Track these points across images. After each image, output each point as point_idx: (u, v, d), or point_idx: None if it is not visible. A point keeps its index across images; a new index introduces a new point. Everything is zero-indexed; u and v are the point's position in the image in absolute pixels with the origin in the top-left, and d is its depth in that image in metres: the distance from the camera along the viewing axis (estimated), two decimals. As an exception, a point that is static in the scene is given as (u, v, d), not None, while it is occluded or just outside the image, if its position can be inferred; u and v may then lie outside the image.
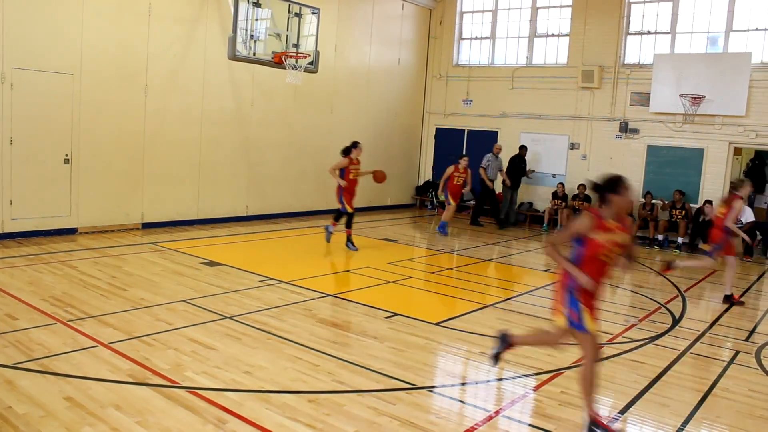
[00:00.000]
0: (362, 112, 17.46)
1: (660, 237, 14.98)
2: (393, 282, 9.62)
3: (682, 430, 5.16)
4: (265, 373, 5.65)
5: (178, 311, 7.34)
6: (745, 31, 14.93)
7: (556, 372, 6.18)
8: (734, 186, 10.00)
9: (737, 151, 15.69)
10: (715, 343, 7.74)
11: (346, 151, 11.76)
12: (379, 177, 12.39)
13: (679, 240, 14.87)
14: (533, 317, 8.28)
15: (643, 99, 15.83)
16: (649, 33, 16.17)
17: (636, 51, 16.31)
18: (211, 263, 9.94)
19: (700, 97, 14.60)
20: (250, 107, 14.38)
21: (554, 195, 16.59)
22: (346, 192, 11.71)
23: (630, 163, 15.94)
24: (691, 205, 14.99)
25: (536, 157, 17.17)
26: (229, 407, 4.89)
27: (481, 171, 16.28)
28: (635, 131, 16.11)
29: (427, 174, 19.78)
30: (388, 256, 11.45)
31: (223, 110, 13.85)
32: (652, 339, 7.55)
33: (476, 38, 19.01)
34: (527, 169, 16.71)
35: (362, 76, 17.35)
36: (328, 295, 8.49)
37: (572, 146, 16.94)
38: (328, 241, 12.02)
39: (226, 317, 7.22)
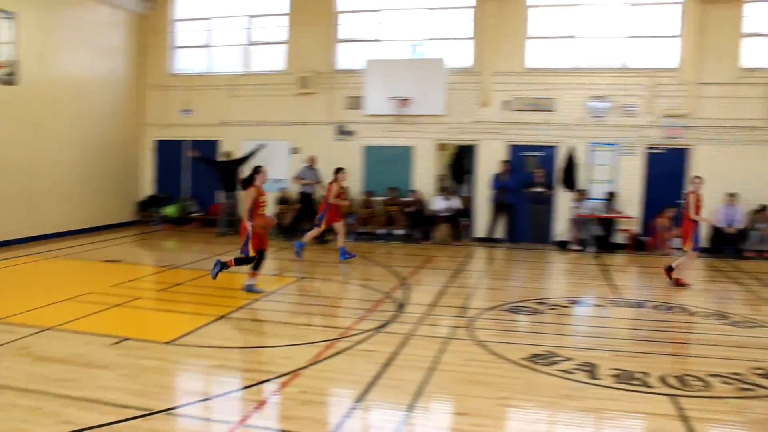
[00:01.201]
0: (74, 126, 16.03)
1: (380, 231, 15.93)
2: (119, 305, 9.00)
3: (414, 406, 5.54)
4: (-27, 426, 4.99)
5: None
6: (440, 39, 16.53)
7: (294, 373, 6.27)
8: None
9: (442, 147, 17.22)
10: (436, 322, 8.43)
11: (249, 181, 9.72)
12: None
13: (398, 232, 15.98)
14: (268, 322, 8.32)
15: (356, 102, 16.69)
16: (358, 41, 17.13)
17: (348, 57, 17.15)
18: None
19: (406, 100, 15.78)
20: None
21: (280, 200, 16.81)
22: (254, 232, 9.56)
23: (349, 163, 16.68)
24: (404, 199, 16.17)
25: (259, 163, 17.13)
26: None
27: (297, 181, 15.98)
28: (351, 133, 16.95)
29: (148, 189, 18.86)
30: (113, 278, 10.73)
31: None
32: (381, 327, 7.99)
33: (192, 46, 18.60)
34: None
35: (73, 87, 15.92)
36: (47, 329, 7.69)
37: (294, 151, 17.31)
38: (250, 293, 9.81)
39: None
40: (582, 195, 15.35)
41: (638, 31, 15.59)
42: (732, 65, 15.00)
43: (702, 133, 15.14)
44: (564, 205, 15.78)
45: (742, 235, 14.53)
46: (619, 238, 15.43)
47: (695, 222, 11.03)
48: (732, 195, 14.44)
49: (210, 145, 17.82)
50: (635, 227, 15.43)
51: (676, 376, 6.34)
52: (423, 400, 5.71)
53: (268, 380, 6.10)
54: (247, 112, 17.74)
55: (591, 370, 6.50)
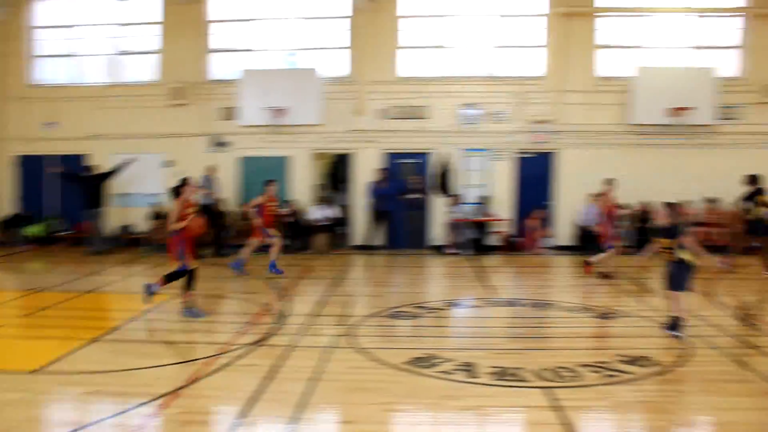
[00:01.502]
0: None
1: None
2: (-23, 334, 8.39)
3: (299, 418, 5.51)
4: None
5: None
6: (316, 49, 16.60)
7: (173, 393, 6.05)
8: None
9: (318, 156, 17.24)
10: (318, 332, 8.40)
11: (177, 192, 9.24)
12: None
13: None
14: (145, 342, 8.02)
15: (231, 113, 16.40)
16: (232, 50, 16.89)
17: (222, 67, 16.86)
18: None
19: (282, 110, 15.68)
20: None
21: (155, 215, 16.26)
22: (188, 242, 9.10)
23: (224, 175, 16.30)
24: (281, 210, 16.00)
25: (131, 177, 16.53)
26: None
27: (201, 192, 15.09)
28: (226, 144, 16.64)
29: (10, 208, 17.62)
30: (-30, 305, 10.00)
31: None
32: (262, 340, 7.88)
33: (55, 55, 17.61)
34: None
35: None
36: None
37: (167, 164, 16.79)
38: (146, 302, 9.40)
39: None
40: (456, 200, 15.80)
41: (506, 41, 16.29)
42: (590, 74, 15.97)
43: (566, 137, 15.99)
44: (440, 210, 16.17)
45: (605, 232, 15.40)
46: (493, 240, 16.00)
47: (610, 221, 11.99)
48: (595, 195, 15.29)
49: (77, 160, 16.92)
50: (508, 229, 16.06)
51: (549, 369, 6.64)
52: (308, 411, 5.68)
53: (145, 403, 5.85)
54: (117, 124, 16.96)
55: (470, 369, 6.70)
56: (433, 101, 16.18)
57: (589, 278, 12.04)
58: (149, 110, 16.81)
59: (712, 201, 15.43)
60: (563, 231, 16.09)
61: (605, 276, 12.13)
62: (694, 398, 6.26)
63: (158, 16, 16.99)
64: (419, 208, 16.22)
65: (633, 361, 6.96)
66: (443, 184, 16.09)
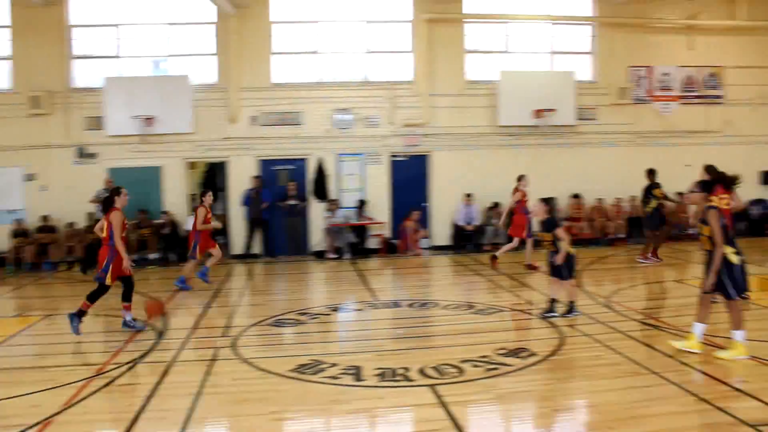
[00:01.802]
0: None
1: (133, 257, 15.07)
2: None
3: (184, 436, 5.34)
4: None
5: None
6: (184, 55, 16.18)
7: (45, 421, 5.64)
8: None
9: (192, 165, 16.80)
10: (199, 345, 8.20)
11: (109, 202, 8.70)
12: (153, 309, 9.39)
13: (153, 256, 15.30)
14: (9, 370, 7.47)
15: (97, 123, 15.63)
16: (95, 57, 16.13)
17: (85, 75, 16.04)
18: None
19: (151, 118, 15.15)
20: None
21: (15, 233, 15.25)
22: (117, 258, 8.64)
23: (93, 187, 15.49)
24: (156, 221, 15.51)
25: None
26: None
27: (95, 202, 14.01)
28: (94, 155, 15.86)
29: None
30: None
31: None
32: (141, 358, 7.58)
33: None
34: None
35: None
36: None
37: (29, 177, 15.80)
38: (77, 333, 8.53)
39: None
40: (334, 205, 15.86)
41: (376, 46, 16.53)
42: (459, 78, 16.49)
43: (438, 140, 16.43)
44: (318, 215, 16.17)
45: (480, 230, 15.96)
46: (372, 243, 16.18)
47: (527, 214, 12.46)
48: (468, 195, 15.83)
49: None
50: (386, 232, 16.29)
51: (433, 367, 6.78)
52: (193, 427, 5.51)
53: (12, 436, 5.45)
54: (-32, 136, 15.76)
55: (356, 372, 6.73)
56: (307, 107, 16.16)
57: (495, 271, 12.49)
58: (5, 120, 15.67)
59: (575, 197, 16.34)
60: (439, 231, 16.52)
61: (533, 267, 12.64)
62: (571, 384, 6.60)
63: (6, 19, 15.84)
64: (297, 215, 16.14)
65: (512, 353, 7.25)
66: (320, 190, 16.10)
